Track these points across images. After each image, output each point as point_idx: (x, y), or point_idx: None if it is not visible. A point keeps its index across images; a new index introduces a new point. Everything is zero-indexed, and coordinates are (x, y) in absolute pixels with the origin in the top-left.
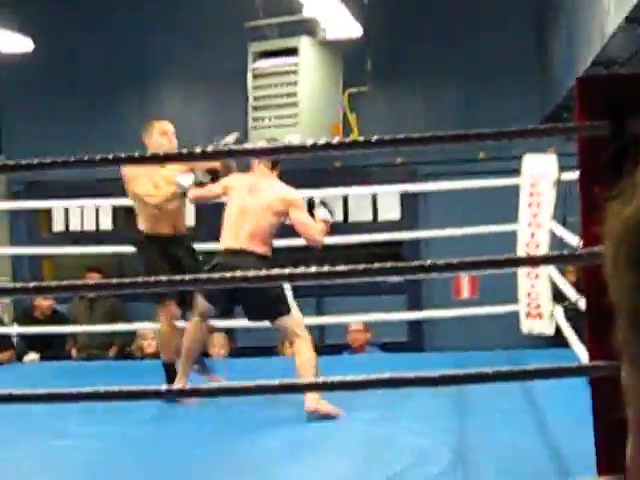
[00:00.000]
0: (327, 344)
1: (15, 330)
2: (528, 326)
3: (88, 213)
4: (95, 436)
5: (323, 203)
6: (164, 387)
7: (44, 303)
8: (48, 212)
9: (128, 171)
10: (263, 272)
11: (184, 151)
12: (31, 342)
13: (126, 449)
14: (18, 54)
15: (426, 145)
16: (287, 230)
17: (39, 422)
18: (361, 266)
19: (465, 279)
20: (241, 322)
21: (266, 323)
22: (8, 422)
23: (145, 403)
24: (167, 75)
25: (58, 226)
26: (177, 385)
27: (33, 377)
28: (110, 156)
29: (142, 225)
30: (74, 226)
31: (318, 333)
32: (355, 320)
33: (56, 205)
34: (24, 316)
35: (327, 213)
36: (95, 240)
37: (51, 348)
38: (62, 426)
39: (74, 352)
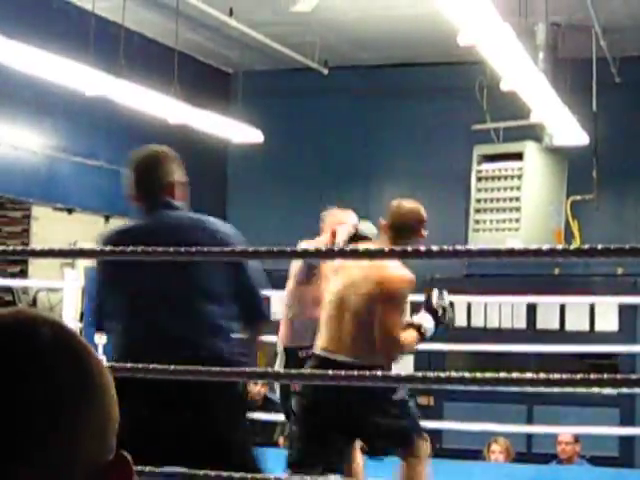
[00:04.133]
0: (535, 452)
1: None
2: None
3: None
4: None
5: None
6: None
7: (256, 389)
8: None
9: None
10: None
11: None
12: None
13: None
14: (247, 144)
15: None
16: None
17: None
18: (578, 376)
19: None
20: (446, 424)
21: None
22: None
23: None
24: (391, 172)
25: None
26: None
27: None
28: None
29: None
30: None
31: (526, 441)
32: (565, 431)
33: None
34: None
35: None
36: None
37: (259, 434)
38: None
39: (281, 440)
